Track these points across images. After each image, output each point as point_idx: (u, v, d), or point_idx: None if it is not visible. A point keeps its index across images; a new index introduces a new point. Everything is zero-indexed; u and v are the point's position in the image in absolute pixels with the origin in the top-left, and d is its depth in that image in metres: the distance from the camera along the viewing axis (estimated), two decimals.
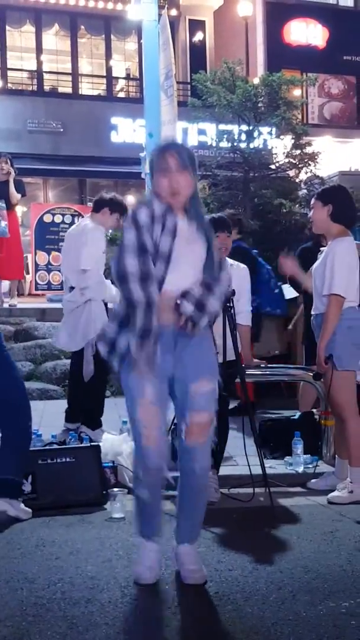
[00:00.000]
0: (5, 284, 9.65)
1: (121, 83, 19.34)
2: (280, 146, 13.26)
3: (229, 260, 4.70)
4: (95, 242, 5.33)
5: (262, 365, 5.13)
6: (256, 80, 13.54)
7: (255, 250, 7.19)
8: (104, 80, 18.82)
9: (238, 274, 4.64)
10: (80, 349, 5.37)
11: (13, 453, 3.94)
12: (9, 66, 17.99)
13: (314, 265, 4.53)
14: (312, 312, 4.49)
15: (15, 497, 3.94)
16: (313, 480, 4.68)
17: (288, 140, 13.18)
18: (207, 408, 3.04)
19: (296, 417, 5.51)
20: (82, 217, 5.58)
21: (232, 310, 4.19)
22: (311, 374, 5.03)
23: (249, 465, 4.26)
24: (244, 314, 4.66)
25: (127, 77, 19.31)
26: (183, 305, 2.92)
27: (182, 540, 3.18)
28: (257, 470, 4.27)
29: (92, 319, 5.27)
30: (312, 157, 13.02)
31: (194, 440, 3.04)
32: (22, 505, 3.98)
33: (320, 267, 4.37)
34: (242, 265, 4.80)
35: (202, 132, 15.11)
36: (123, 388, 3.05)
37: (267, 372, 5.47)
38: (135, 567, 3.13)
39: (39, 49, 18.17)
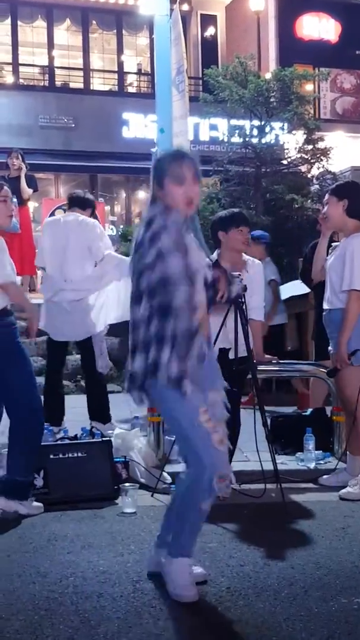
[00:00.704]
0: (17, 279, 9.66)
1: (132, 78, 19.33)
2: (292, 141, 13.19)
3: (244, 256, 4.70)
4: (99, 229, 5.59)
5: (273, 362, 5.12)
6: (268, 75, 13.48)
7: None
8: (116, 76, 18.81)
9: (252, 269, 4.63)
10: (87, 340, 5.48)
11: (22, 454, 3.95)
12: (20, 61, 18.00)
13: (328, 261, 4.51)
14: (326, 307, 4.47)
15: (25, 498, 3.95)
16: (325, 477, 4.67)
17: (300, 135, 13.12)
18: (222, 416, 3.04)
19: (307, 413, 5.50)
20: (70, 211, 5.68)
21: (244, 306, 4.18)
22: (323, 370, 5.02)
23: (260, 461, 4.26)
24: (256, 310, 4.65)
25: (139, 72, 19.30)
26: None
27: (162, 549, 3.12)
28: (268, 466, 4.27)
29: (112, 304, 5.49)
30: (324, 152, 12.95)
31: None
32: (33, 502, 4.00)
33: (337, 262, 4.35)
34: (257, 261, 4.78)
35: (213, 127, 15.08)
36: (172, 407, 2.92)
37: (279, 368, 5.47)
38: (184, 591, 2.88)
39: (50, 44, 18.18)
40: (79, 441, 4.57)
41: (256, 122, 12.84)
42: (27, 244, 9.37)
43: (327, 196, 4.51)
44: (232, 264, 4.17)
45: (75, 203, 5.72)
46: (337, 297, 4.35)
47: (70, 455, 4.29)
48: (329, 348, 4.62)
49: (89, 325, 5.50)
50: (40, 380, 7.89)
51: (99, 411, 5.53)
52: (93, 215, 5.73)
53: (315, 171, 13.08)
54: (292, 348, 7.67)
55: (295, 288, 7.83)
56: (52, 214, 12.41)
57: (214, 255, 4.35)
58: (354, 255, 4.26)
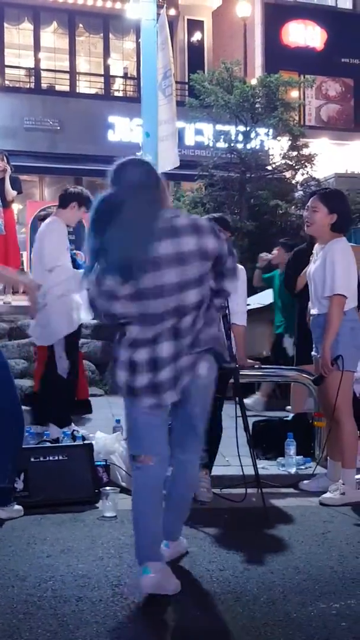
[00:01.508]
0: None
1: (119, 82, 19.33)
2: (277, 147, 13.26)
3: None
4: (55, 239, 5.40)
5: (256, 366, 5.14)
6: (254, 81, 13.55)
7: None
8: (102, 79, 18.81)
9: None
10: (50, 344, 5.42)
11: (1, 461, 3.92)
12: (6, 63, 17.96)
13: (311, 268, 4.53)
14: (314, 313, 4.48)
15: (6, 505, 3.93)
16: (305, 482, 4.68)
17: (285, 141, 13.18)
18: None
19: (289, 418, 5.52)
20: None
21: (227, 310, 4.18)
22: (306, 376, 5.04)
23: (241, 466, 4.26)
24: (239, 314, 4.66)
25: (125, 76, 19.30)
26: None
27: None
28: (249, 470, 4.27)
29: (64, 314, 5.32)
30: (309, 158, 13.02)
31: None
32: (14, 505, 3.98)
33: (319, 269, 4.37)
34: (240, 266, 4.79)
35: (199, 132, 15.11)
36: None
37: (261, 373, 5.47)
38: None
39: (36, 47, 18.15)
40: (59, 444, 4.55)
41: (241, 128, 12.88)
42: (12, 246, 9.33)
43: (315, 201, 4.44)
44: None
45: (59, 204, 5.66)
46: (321, 303, 4.38)
47: (51, 458, 4.27)
48: (312, 353, 4.63)
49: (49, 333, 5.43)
50: (23, 382, 7.93)
51: (56, 414, 5.48)
52: (85, 206, 5.49)
53: (299, 177, 13.15)
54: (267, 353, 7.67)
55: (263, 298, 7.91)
56: (36, 217, 12.41)
57: None
58: (334, 260, 4.28)
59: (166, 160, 5.91)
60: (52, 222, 5.53)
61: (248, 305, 5.93)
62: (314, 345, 4.59)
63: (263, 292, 7.71)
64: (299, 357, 5.89)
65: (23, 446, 4.19)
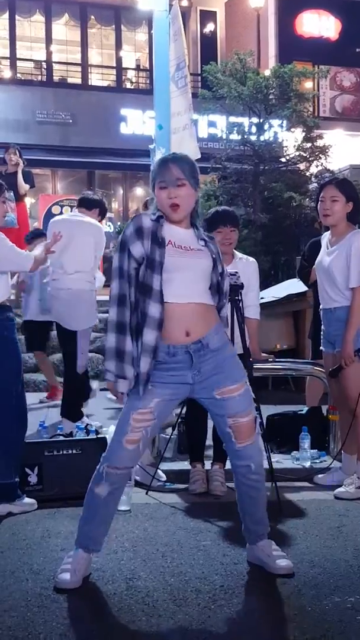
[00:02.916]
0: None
1: (131, 74, 19.32)
2: (291, 139, 13.21)
3: (238, 254, 4.70)
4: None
5: (269, 360, 5.13)
6: (267, 72, 13.49)
7: None
8: (114, 71, 18.80)
9: (247, 267, 4.63)
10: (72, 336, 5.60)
11: (1, 458, 3.93)
12: (18, 56, 17.99)
13: (325, 259, 4.50)
14: (328, 306, 4.46)
15: (14, 499, 3.96)
16: (320, 475, 4.68)
17: (299, 133, 13.14)
18: (246, 408, 3.08)
19: (304, 411, 5.51)
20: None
21: (240, 304, 4.18)
22: (320, 369, 5.03)
23: None
24: (252, 308, 4.65)
25: (137, 68, 19.29)
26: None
27: (254, 541, 3.21)
28: (263, 464, 4.27)
29: (92, 305, 5.66)
30: (323, 150, 12.97)
31: (244, 441, 3.07)
32: (25, 499, 4.00)
33: (340, 260, 4.34)
34: (251, 259, 4.78)
35: (212, 124, 15.08)
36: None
37: (276, 367, 5.47)
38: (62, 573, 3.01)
39: (48, 39, 18.17)
40: (73, 438, 4.57)
41: (255, 120, 12.85)
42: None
43: (334, 190, 4.39)
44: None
45: (82, 203, 5.87)
46: (342, 295, 4.35)
47: (64, 452, 4.29)
48: (321, 348, 4.63)
49: (74, 320, 5.62)
50: (37, 377, 7.96)
51: (71, 408, 5.58)
52: (102, 215, 5.88)
53: (313, 169, 13.10)
54: (288, 346, 7.68)
55: (292, 286, 7.85)
56: (49, 210, 12.45)
57: None
58: (358, 252, 4.26)
59: (182, 153, 5.90)
60: (102, 228, 5.87)
61: (262, 298, 5.93)
62: (323, 340, 4.58)
63: (277, 285, 7.70)
64: (315, 350, 5.87)
65: (37, 440, 4.21)
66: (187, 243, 3.04)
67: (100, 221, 5.88)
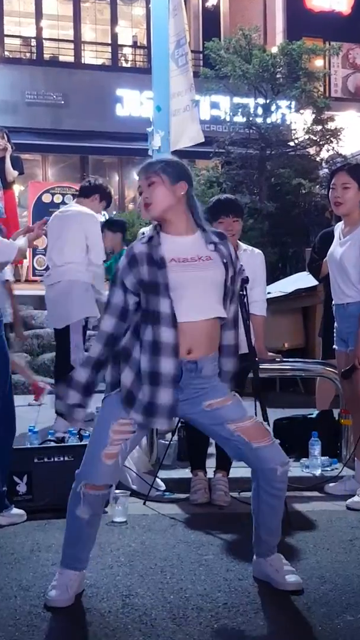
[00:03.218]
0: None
1: (127, 51, 19.30)
2: (299, 121, 13.22)
3: (243, 245, 4.70)
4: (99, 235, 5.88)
5: (277, 359, 5.13)
6: (274, 49, 13.50)
7: None
8: (109, 49, 18.79)
9: (253, 260, 4.63)
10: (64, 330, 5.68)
11: None
12: (5, 32, 17.97)
13: (337, 251, 4.50)
14: (340, 302, 4.46)
15: (1, 510, 3.96)
16: (331, 484, 4.68)
17: (308, 114, 13.14)
18: (244, 414, 3.07)
19: (314, 415, 5.51)
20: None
21: (245, 299, 4.17)
22: (331, 369, 5.02)
23: None
24: (258, 303, 4.65)
25: (134, 45, 19.27)
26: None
27: (265, 554, 3.19)
28: None
29: (83, 296, 5.68)
30: (335, 133, 12.98)
31: (260, 441, 3.03)
32: (13, 509, 4.00)
33: (352, 252, 4.34)
34: (257, 251, 4.78)
35: (215, 105, 15.08)
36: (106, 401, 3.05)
37: (283, 367, 5.47)
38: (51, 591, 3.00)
39: (38, 14, 18.14)
40: (65, 444, 4.57)
41: (261, 100, 12.85)
42: (13, 229, 9.35)
43: (345, 177, 4.40)
44: None
45: (80, 192, 6.01)
46: (355, 289, 4.35)
47: (56, 459, 4.28)
48: (334, 347, 4.62)
49: (64, 313, 5.69)
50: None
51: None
52: (105, 200, 5.95)
53: (324, 154, 13.11)
54: (297, 345, 7.67)
55: (301, 280, 7.84)
56: (39, 199, 12.43)
57: None
58: None
59: (183, 136, 5.90)
60: (93, 215, 5.86)
61: (268, 293, 5.92)
62: (336, 338, 4.57)
63: (285, 279, 7.69)
64: (325, 349, 5.87)
65: (26, 446, 4.21)
66: (192, 253, 3.00)
67: (106, 207, 5.99)
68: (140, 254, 2.96)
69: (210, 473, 4.54)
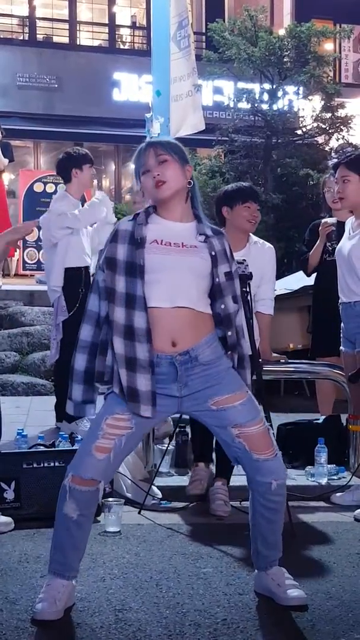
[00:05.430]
0: None
1: (125, 32, 19.30)
2: (308, 108, 13.21)
3: (253, 238, 4.70)
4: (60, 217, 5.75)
5: (282, 361, 5.13)
6: (282, 32, 13.49)
7: None
8: (106, 29, 18.78)
9: (262, 254, 4.63)
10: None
11: None
12: None
13: (345, 246, 4.50)
14: (348, 300, 4.46)
15: None
16: (338, 494, 4.68)
17: (317, 101, 13.14)
18: (253, 417, 3.06)
19: (320, 421, 5.51)
20: None
21: (248, 296, 4.16)
22: (338, 372, 5.02)
23: None
24: (266, 302, 4.66)
25: (133, 26, 19.27)
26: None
27: (265, 567, 3.19)
28: None
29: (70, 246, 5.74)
30: (345, 121, 12.97)
31: (262, 452, 3.04)
32: (0, 518, 4.00)
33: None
34: (268, 245, 4.76)
35: (218, 90, 15.06)
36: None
37: (288, 369, 5.47)
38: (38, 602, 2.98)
39: None
40: (55, 449, 4.57)
41: (267, 86, 12.85)
42: (3, 220, 9.35)
43: (342, 170, 4.43)
44: (235, 245, 4.16)
45: (62, 179, 6.03)
46: None
47: (45, 464, 4.28)
48: (342, 348, 4.62)
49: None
50: (14, 378, 7.96)
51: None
52: (86, 164, 5.84)
53: (334, 143, 13.09)
54: (303, 346, 7.66)
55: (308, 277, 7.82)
56: (30, 188, 12.44)
57: None
58: None
59: (184, 123, 5.90)
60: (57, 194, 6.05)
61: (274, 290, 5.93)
62: (343, 338, 4.57)
63: (291, 275, 7.68)
64: (315, 347, 5.86)
65: (15, 451, 4.21)
66: (180, 239, 3.02)
67: (90, 167, 5.90)
68: (123, 232, 3.02)
69: (213, 470, 4.53)
